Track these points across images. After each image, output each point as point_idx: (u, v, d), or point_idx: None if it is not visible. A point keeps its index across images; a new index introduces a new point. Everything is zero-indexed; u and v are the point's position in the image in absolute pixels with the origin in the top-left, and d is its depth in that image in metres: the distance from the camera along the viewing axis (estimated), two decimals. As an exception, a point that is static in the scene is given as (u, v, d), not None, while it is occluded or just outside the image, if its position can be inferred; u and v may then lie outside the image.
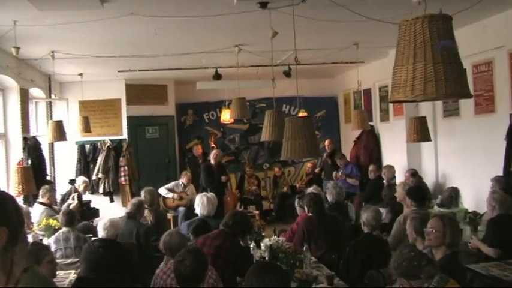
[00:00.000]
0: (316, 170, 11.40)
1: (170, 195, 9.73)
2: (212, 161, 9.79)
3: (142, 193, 7.09)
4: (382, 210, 6.88)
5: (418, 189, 6.04)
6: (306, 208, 5.85)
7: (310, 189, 6.63)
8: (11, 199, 1.69)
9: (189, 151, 11.88)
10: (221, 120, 10.85)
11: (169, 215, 9.54)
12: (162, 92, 11.49)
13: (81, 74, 9.60)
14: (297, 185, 11.54)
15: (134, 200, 6.33)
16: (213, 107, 12.22)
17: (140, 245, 5.83)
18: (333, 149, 11.10)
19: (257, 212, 9.71)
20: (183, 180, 9.92)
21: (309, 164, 11.80)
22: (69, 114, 10.64)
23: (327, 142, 11.19)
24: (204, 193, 6.32)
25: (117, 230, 5.16)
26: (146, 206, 6.78)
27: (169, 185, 9.90)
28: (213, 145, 11.39)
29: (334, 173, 10.26)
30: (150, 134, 11.51)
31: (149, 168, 11.16)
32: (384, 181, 8.59)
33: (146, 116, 11.18)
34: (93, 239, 5.41)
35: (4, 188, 6.92)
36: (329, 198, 6.80)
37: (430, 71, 2.46)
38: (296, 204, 6.36)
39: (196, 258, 3.32)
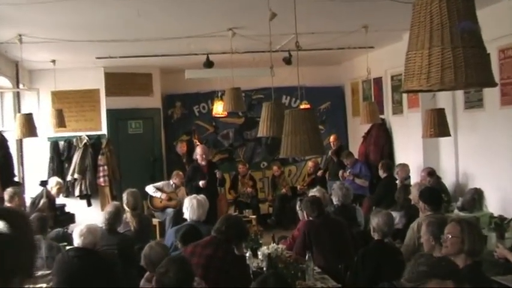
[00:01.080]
0: (319, 173, 11.45)
1: (158, 194, 9.76)
2: (200, 160, 9.65)
3: (124, 196, 7.07)
4: (395, 214, 6.90)
5: (432, 190, 6.03)
6: (305, 212, 5.89)
7: (313, 191, 6.65)
8: None
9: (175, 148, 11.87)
10: (213, 113, 10.96)
11: (155, 221, 9.58)
12: (146, 81, 11.49)
13: (53, 61, 9.57)
14: (298, 187, 11.60)
15: (109, 208, 6.23)
16: (204, 98, 12.24)
17: (124, 256, 5.81)
18: (339, 146, 11.15)
19: (254, 216, 9.72)
20: (174, 180, 9.95)
21: (310, 163, 11.83)
22: (41, 106, 10.62)
23: (332, 138, 11.24)
24: (194, 195, 6.33)
25: (96, 237, 5.12)
26: (129, 209, 6.80)
27: (158, 184, 9.95)
28: (197, 143, 11.35)
29: (340, 173, 10.29)
30: (132, 129, 11.52)
31: (132, 167, 11.18)
32: (397, 181, 8.62)
33: (128, 109, 11.18)
34: (68, 248, 5.39)
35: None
36: (334, 200, 6.82)
37: (449, 56, 2.46)
38: (297, 208, 6.36)
39: (181, 268, 3.32)
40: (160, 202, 9.77)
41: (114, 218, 6.05)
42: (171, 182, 9.96)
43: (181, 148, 11.29)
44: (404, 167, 8.83)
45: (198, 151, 9.76)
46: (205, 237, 4.69)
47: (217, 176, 9.68)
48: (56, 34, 7.41)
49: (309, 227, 5.61)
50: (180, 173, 10.04)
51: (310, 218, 6.00)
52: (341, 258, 5.36)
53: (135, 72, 11.25)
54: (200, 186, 9.22)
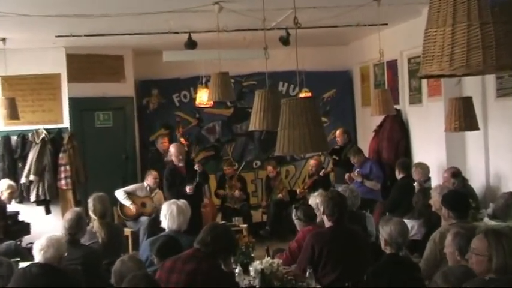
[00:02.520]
0: (322, 173, 11.49)
1: (128, 202, 9.80)
2: (176, 162, 9.54)
3: (91, 201, 7.05)
4: (412, 223, 7.01)
5: (457, 194, 6.03)
6: (321, 211, 5.84)
7: (315, 196, 6.64)
8: None
9: (153, 144, 11.92)
10: (196, 103, 11.00)
11: (128, 230, 9.58)
12: (117, 65, 11.48)
13: (3, 40, 9.52)
14: (298, 190, 11.63)
15: (69, 215, 6.22)
16: (185, 85, 12.27)
17: (90, 273, 5.81)
18: (346, 142, 11.15)
19: (244, 225, 9.75)
20: (148, 181, 9.98)
21: (311, 162, 11.83)
22: (-12, 95, 10.59)
23: (338, 132, 11.26)
24: (174, 200, 6.34)
25: (59, 250, 5.14)
26: (96, 217, 6.81)
27: (129, 188, 10.00)
28: (181, 138, 11.33)
29: (347, 174, 10.30)
30: (100, 122, 11.51)
31: (100, 167, 11.16)
32: (415, 184, 8.61)
33: (95, 98, 11.15)
34: (26, 264, 5.34)
35: None
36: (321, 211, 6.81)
37: (476, 34, 2.45)
38: (294, 217, 6.41)
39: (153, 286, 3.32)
40: (133, 210, 9.80)
41: (76, 227, 6.05)
42: (145, 184, 10.00)
43: (162, 144, 11.33)
44: (424, 166, 8.84)
45: (173, 151, 9.63)
46: (187, 250, 4.70)
47: (197, 169, 9.53)
48: (6, 7, 7.34)
49: (317, 240, 5.57)
50: (154, 172, 10.09)
51: (309, 226, 6.02)
52: (349, 276, 5.35)
53: (103, 53, 11.23)
54: (187, 192, 9.14)
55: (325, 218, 5.75)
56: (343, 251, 5.52)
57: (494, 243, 3.76)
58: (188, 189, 9.22)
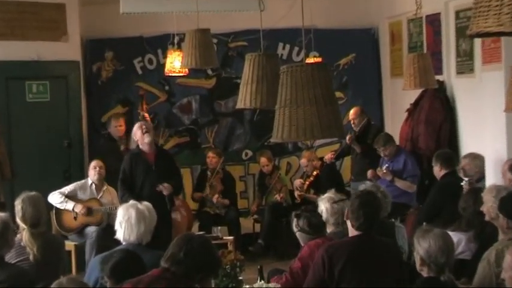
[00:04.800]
0: (327, 157, 11.52)
1: (69, 206, 9.77)
2: (140, 142, 9.63)
3: (19, 204, 6.96)
4: (459, 236, 7.04)
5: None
6: (345, 214, 5.86)
7: (324, 198, 6.66)
8: None
9: (105, 127, 11.85)
10: (166, 71, 11.01)
11: (70, 244, 9.58)
12: (56, 16, 11.37)
13: None
14: (296, 192, 11.57)
15: None
16: (151, 46, 12.25)
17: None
18: (365, 125, 11.18)
19: (230, 237, 9.92)
20: (92, 176, 9.99)
21: (302, 160, 11.84)
22: None
23: (352, 112, 11.29)
24: (133, 202, 6.31)
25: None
26: (26, 226, 6.74)
27: (68, 188, 9.99)
28: (145, 114, 11.30)
29: (370, 172, 10.35)
30: (33, 96, 11.41)
31: (32, 158, 11.13)
32: (463, 183, 8.58)
33: (26, 62, 11.09)
34: None
35: None
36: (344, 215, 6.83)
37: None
38: (294, 228, 6.46)
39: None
40: (74, 219, 9.81)
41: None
42: (89, 181, 10.01)
43: (116, 128, 11.31)
44: (476, 160, 8.84)
45: (136, 130, 9.74)
46: (152, 270, 4.74)
47: (163, 192, 9.53)
48: None
49: (333, 254, 5.57)
50: (99, 162, 10.16)
51: (318, 239, 6.10)
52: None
53: (38, 1, 11.17)
54: (161, 193, 9.30)
55: (349, 224, 5.77)
56: (369, 271, 5.53)
57: None
58: (162, 189, 9.39)
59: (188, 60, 7.85)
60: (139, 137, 9.62)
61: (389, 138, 10.65)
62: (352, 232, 5.74)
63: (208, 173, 11.63)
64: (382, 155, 10.43)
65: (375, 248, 5.72)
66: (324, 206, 6.51)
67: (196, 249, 4.67)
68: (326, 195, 6.77)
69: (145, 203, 6.35)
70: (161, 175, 9.53)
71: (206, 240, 5.19)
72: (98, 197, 9.99)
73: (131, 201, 6.39)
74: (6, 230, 6.13)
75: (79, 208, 9.78)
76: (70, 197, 9.87)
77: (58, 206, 9.79)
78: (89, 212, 9.80)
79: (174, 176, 9.90)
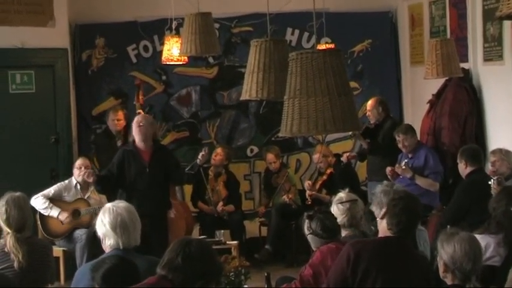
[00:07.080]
0: (344, 157, 11.50)
1: (54, 213, 9.82)
2: (138, 141, 9.52)
3: (1, 206, 6.96)
4: (487, 239, 7.02)
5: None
6: (381, 214, 5.75)
7: (337, 199, 6.68)
8: None
9: (98, 121, 11.88)
10: (163, 59, 10.94)
11: (58, 250, 9.77)
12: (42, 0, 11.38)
13: None
14: (307, 192, 11.39)
15: None
16: (146, 32, 12.31)
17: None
18: (383, 117, 11.10)
19: (234, 242, 10.21)
20: (76, 176, 10.02)
21: (316, 156, 11.82)
22: None
23: (369, 103, 11.19)
24: (118, 201, 6.21)
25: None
26: (10, 231, 6.73)
27: (52, 190, 10.04)
28: (140, 110, 11.22)
29: (389, 168, 10.26)
30: (17, 86, 11.48)
31: (15, 155, 11.19)
32: (491, 182, 8.51)
33: (9, 50, 11.16)
34: None
35: None
36: (377, 214, 6.58)
37: None
38: (306, 231, 6.40)
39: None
40: (62, 224, 9.85)
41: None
42: (74, 181, 10.06)
43: (113, 122, 11.29)
44: (505, 155, 8.85)
45: (135, 127, 9.59)
46: (148, 278, 4.81)
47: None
48: None
49: (360, 252, 5.50)
50: (86, 161, 10.19)
51: (331, 244, 6.11)
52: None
53: (21, -19, 11.25)
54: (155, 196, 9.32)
55: (383, 224, 5.71)
56: (394, 277, 5.48)
57: None
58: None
59: (187, 47, 7.98)
60: (138, 140, 9.56)
61: (409, 128, 10.60)
62: (384, 233, 5.70)
63: (210, 172, 11.60)
64: (400, 145, 10.35)
65: (405, 255, 5.67)
66: (333, 207, 6.67)
67: (195, 254, 4.73)
68: (342, 193, 6.89)
69: (123, 203, 6.20)
70: (155, 177, 9.45)
71: (205, 244, 5.20)
72: (85, 197, 10.12)
73: (108, 204, 6.21)
74: None
75: (64, 216, 9.83)
76: (55, 200, 9.96)
77: (42, 211, 9.88)
78: (77, 214, 9.87)
79: (173, 172, 9.83)
